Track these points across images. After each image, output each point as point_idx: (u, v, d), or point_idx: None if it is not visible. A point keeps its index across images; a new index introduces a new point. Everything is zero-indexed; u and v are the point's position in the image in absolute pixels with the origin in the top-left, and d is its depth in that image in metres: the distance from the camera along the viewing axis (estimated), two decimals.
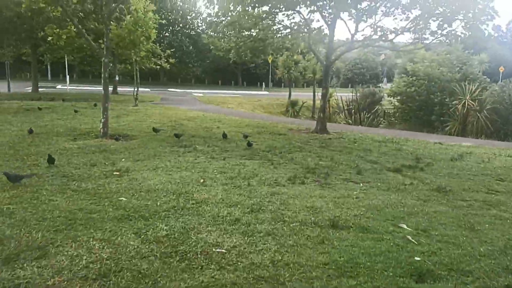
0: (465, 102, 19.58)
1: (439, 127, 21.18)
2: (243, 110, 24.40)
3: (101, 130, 10.03)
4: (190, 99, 28.20)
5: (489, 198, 6.09)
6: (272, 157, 8.62)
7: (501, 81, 28.72)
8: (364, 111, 26.03)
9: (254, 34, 13.34)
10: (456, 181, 7.10)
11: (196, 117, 15.46)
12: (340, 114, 26.67)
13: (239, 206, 5.13)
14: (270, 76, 52.62)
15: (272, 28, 13.88)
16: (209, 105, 24.30)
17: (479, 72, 23.40)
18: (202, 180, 6.32)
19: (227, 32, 13.81)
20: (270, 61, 41.44)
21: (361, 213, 5.05)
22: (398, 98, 24.26)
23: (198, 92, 36.54)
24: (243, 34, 13.88)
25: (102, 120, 10.07)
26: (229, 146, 9.57)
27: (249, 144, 9.44)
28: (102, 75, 10.27)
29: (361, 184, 6.70)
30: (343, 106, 27.50)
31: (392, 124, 24.70)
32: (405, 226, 4.60)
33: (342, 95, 29.13)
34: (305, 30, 13.50)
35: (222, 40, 14.14)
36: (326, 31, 13.11)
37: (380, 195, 5.99)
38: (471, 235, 4.47)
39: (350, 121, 24.88)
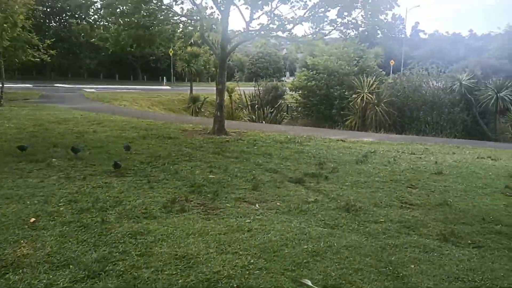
0: (363, 95, 19.62)
1: (340, 121, 21.09)
2: (137, 108, 22.02)
3: None
4: (76, 96, 24.94)
5: (405, 215, 5.11)
6: (151, 171, 6.91)
7: (392, 74, 30.12)
8: (267, 106, 25.27)
9: (136, 20, 11.32)
10: (366, 193, 6.10)
11: (71, 119, 12.99)
12: (244, 110, 25.57)
13: (71, 267, 3.40)
14: (172, 70, 50.11)
15: (158, 15, 12.01)
16: (97, 103, 21.50)
17: (375, 65, 23.87)
18: (32, 220, 4.42)
19: (104, 17, 11.63)
20: (171, 54, 38.97)
21: (251, 261, 3.63)
22: (300, 92, 23.82)
23: (90, 88, 32.95)
24: (125, 20, 11.79)
25: None
26: (97, 158, 7.62)
27: (116, 166, 6.74)
28: None
29: (257, 206, 5.34)
30: (247, 101, 26.46)
31: (295, 119, 24.26)
32: (309, 283, 3.27)
33: (246, 90, 28.13)
34: (197, 17, 11.89)
35: (97, 27, 11.89)
36: (221, 19, 11.62)
37: (279, 223, 4.66)
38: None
39: (253, 116, 23.88)
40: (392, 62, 54.98)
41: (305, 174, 7.14)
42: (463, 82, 20.05)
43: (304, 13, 11.09)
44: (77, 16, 49.41)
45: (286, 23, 11.23)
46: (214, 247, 3.91)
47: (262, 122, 21.77)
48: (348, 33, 11.08)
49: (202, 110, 27.77)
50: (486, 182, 6.97)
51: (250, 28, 11.50)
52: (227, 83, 26.60)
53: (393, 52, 66.11)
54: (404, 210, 5.37)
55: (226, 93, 23.09)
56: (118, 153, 8.19)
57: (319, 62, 23.20)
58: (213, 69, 32.04)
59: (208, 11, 11.75)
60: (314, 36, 12.10)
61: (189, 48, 28.35)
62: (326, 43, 23.79)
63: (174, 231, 4.28)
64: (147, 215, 4.77)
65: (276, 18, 11.21)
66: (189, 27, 13.03)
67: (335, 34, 12.46)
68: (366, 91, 19.73)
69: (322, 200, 5.63)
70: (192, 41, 14.62)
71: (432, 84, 21.42)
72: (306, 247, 3.99)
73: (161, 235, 4.16)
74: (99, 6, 11.38)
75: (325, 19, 10.51)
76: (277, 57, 77.72)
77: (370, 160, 8.69)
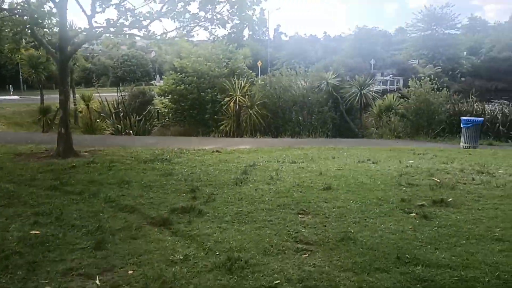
0: (236, 98, 18.64)
1: (214, 126, 19.86)
2: None
3: None
4: None
5: (304, 266, 3.81)
6: None
7: (260, 75, 30.04)
8: (134, 114, 22.75)
9: None
10: (251, 232, 4.70)
11: None
12: (107, 120, 22.56)
13: None
14: (20, 77, 43.48)
15: None
16: None
17: (245, 66, 23.16)
18: None
19: None
20: (18, 60, 33.15)
21: None
22: (169, 97, 21.90)
23: None
24: None
25: None
26: None
27: None
28: None
29: (97, 281, 3.54)
30: (110, 110, 23.47)
31: (166, 126, 22.25)
32: None
33: (109, 96, 25.11)
34: (24, 10, 9.29)
35: None
36: (56, 13, 9.21)
37: None
38: None
39: (119, 126, 21.12)
40: (260, 63, 56.33)
41: (173, 209, 5.48)
42: (329, 81, 20.50)
43: (162, 7, 9.37)
44: None
45: (141, 19, 9.39)
46: None
47: (129, 134, 19.31)
48: (215, 31, 9.72)
49: (56, 122, 23.87)
50: (379, 195, 6.20)
51: (96, 25, 9.35)
52: (83, 90, 23.37)
53: (259, 54, 68.12)
54: (301, 254, 4.10)
55: (82, 102, 20.11)
56: None
57: (187, 65, 21.58)
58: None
59: (36, 2, 9.21)
60: (176, 34, 10.47)
61: (31, 51, 24.14)
62: (194, 44, 22.32)
63: None
64: None
65: (129, 13, 9.30)
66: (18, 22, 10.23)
67: (203, 35, 11.05)
68: (238, 93, 18.79)
69: (195, 255, 4.05)
70: (24, 41, 11.65)
71: (301, 84, 21.52)
72: None
73: None
74: None
75: (186, 14, 8.96)
76: (145, 60, 73.98)
77: (250, 178, 7.41)
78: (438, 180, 7.21)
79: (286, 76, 21.20)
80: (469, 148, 13.81)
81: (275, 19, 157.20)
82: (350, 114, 21.24)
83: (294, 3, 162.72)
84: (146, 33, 9.50)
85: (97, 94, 23.88)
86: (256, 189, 6.59)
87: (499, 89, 56.12)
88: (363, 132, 20.03)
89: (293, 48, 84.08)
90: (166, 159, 9.28)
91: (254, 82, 21.78)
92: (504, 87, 56.21)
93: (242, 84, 19.21)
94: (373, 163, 9.09)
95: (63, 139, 9.39)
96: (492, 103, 26.48)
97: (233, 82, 19.19)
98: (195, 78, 20.98)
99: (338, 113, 20.44)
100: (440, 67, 60.99)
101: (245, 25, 9.63)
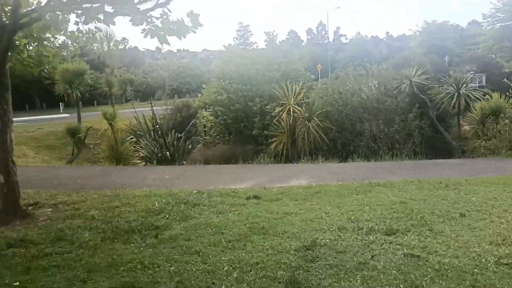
0: (290, 108, 14.44)
1: (263, 144, 15.82)
2: None
3: None
4: None
5: None
6: None
7: (319, 80, 25.46)
8: (173, 131, 19.31)
9: None
10: None
11: None
12: (141, 140, 19.19)
13: None
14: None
15: None
16: None
17: (301, 68, 18.78)
18: None
19: None
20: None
21: None
22: (210, 109, 18.22)
23: None
24: None
25: None
26: None
27: None
28: None
29: None
30: (148, 127, 20.21)
31: (208, 145, 18.57)
32: None
33: (158, 110, 22.38)
34: None
35: None
36: None
37: None
38: None
39: (153, 148, 17.64)
40: (319, 67, 51.56)
41: None
42: (413, 80, 15.61)
43: None
44: None
45: None
46: None
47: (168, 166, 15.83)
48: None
49: (88, 143, 21.13)
50: None
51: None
52: (104, 107, 20.32)
53: (318, 58, 63.43)
54: None
55: (105, 121, 16.99)
56: None
57: (230, 69, 17.83)
58: (106, 88, 25.69)
59: None
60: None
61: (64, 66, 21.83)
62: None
63: None
64: None
65: None
66: None
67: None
68: (292, 102, 14.58)
69: None
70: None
71: (374, 86, 16.79)
72: None
73: None
74: None
75: None
76: (200, 71, 72.38)
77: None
78: None
79: (354, 77, 16.66)
80: None
81: (334, 21, 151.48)
82: (443, 122, 16.12)
83: (353, 3, 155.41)
84: (126, 11, 5.60)
85: (131, 110, 20.85)
86: None
87: None
88: (463, 147, 14.87)
89: (354, 50, 78.58)
90: (160, 226, 5.29)
91: (313, 87, 17.46)
92: None
93: (297, 90, 14.97)
94: None
95: (1, 192, 5.76)
96: None
97: (285, 88, 15.01)
98: (240, 85, 17.14)
99: (425, 121, 15.36)
100: None
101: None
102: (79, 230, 5.12)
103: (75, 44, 7.74)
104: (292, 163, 12.47)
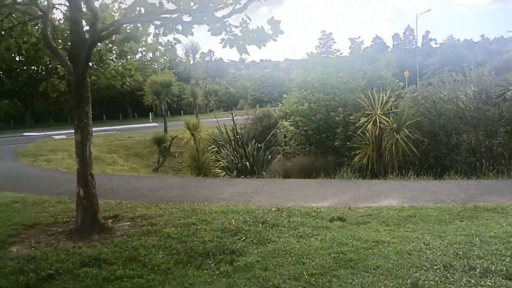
0: (375, 118, 13.44)
1: (346, 157, 14.94)
2: (64, 166, 16.06)
3: None
4: (6, 150, 19.63)
5: None
6: None
7: (407, 88, 23.68)
8: (253, 141, 19.25)
9: None
10: None
11: None
12: (222, 149, 19.38)
13: None
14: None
15: None
16: (15, 162, 15.92)
17: (389, 75, 17.50)
18: None
19: None
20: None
21: None
22: (290, 119, 17.76)
23: (60, 135, 28.63)
24: None
25: None
26: None
27: None
28: None
29: None
30: (229, 137, 20.41)
31: (287, 156, 18.10)
32: None
33: (240, 119, 22.75)
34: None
35: None
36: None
37: None
38: None
39: (235, 160, 17.64)
40: (407, 73, 48.75)
41: None
42: None
43: None
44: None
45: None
46: None
47: (245, 178, 15.72)
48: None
49: (173, 151, 21.87)
50: None
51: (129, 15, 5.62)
52: (188, 118, 20.73)
53: (406, 64, 60.08)
54: None
55: (188, 131, 17.25)
56: None
57: (312, 77, 17.24)
58: (191, 99, 26.51)
59: None
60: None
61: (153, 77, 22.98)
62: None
63: None
64: None
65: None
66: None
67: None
68: (379, 112, 13.55)
69: None
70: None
71: (472, 93, 15.05)
72: None
73: None
74: None
75: None
76: (282, 80, 72.74)
77: None
78: None
79: (450, 84, 15.10)
80: None
81: (423, 25, 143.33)
82: None
83: (444, 4, 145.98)
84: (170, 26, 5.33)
85: (214, 119, 21.20)
86: None
87: None
88: None
89: (446, 55, 73.47)
90: (236, 250, 4.88)
91: (402, 95, 16.18)
92: None
93: (385, 99, 13.91)
94: None
95: (81, 205, 5.80)
96: None
97: (371, 97, 14.04)
98: (321, 95, 16.45)
99: None
100: None
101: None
102: (153, 250, 4.91)
103: (165, 57, 7.80)
104: (378, 178, 11.48)
